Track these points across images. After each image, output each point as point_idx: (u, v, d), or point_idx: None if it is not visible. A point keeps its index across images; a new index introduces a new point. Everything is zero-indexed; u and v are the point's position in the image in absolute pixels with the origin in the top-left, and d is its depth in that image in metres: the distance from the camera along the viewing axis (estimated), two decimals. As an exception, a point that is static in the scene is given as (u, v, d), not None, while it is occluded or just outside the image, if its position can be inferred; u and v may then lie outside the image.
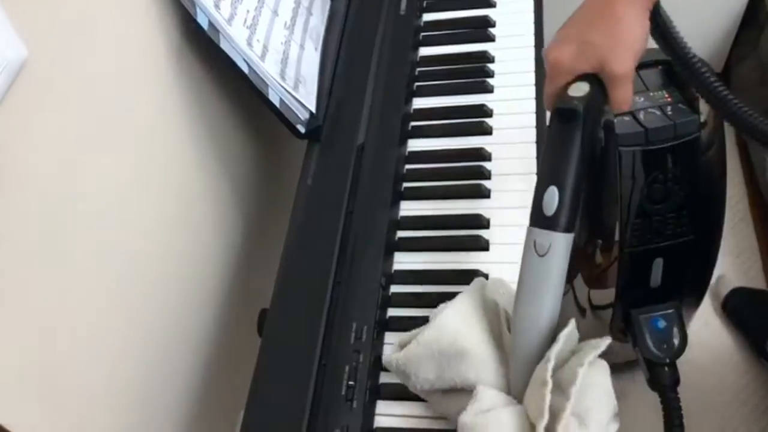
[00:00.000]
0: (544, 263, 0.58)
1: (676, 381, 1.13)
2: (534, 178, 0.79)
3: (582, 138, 0.59)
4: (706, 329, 1.41)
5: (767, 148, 0.63)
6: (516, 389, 0.59)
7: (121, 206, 0.66)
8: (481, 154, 0.83)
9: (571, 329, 0.59)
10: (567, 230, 0.58)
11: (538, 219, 0.59)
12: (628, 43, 0.61)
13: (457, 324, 0.61)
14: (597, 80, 0.61)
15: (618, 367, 1.44)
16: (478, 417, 0.56)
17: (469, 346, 0.60)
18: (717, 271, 1.21)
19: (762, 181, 1.54)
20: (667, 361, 1.12)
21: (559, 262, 0.58)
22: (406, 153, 0.86)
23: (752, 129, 0.62)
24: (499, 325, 0.62)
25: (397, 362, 0.62)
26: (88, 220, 0.61)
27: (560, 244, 0.58)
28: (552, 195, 0.58)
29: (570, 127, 0.59)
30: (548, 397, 0.53)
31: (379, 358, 0.69)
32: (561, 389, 0.54)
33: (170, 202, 0.75)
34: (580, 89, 0.61)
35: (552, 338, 0.58)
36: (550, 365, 0.54)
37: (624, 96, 0.63)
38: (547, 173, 0.60)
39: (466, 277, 0.74)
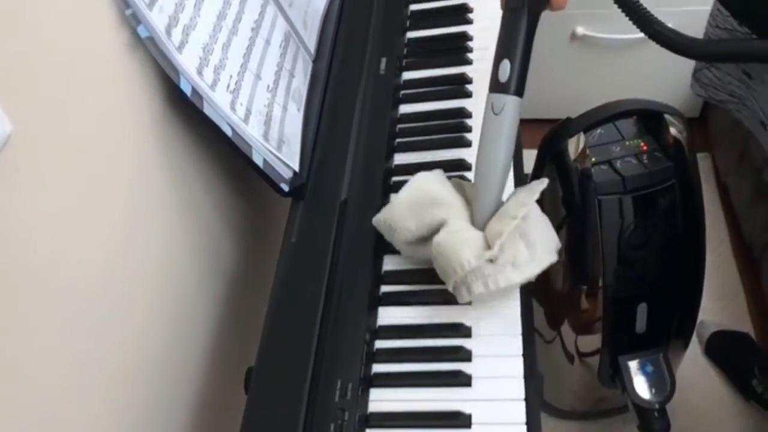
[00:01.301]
0: (498, 119, 0.74)
1: (667, 426, 1.13)
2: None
3: (527, 23, 0.75)
4: (695, 372, 1.42)
5: (680, 55, 0.78)
6: (479, 222, 0.76)
7: (103, 269, 0.67)
8: (462, 208, 0.85)
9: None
10: (516, 93, 0.74)
11: (495, 86, 0.75)
12: None
13: (429, 181, 0.79)
14: None
15: (609, 413, 1.45)
16: (448, 236, 0.73)
17: (440, 195, 0.78)
18: (700, 315, 1.23)
19: (743, 223, 1.57)
20: (657, 406, 1.13)
21: (510, 118, 0.74)
22: (389, 208, 0.88)
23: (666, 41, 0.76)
24: (461, 184, 0.81)
25: (384, 219, 0.78)
26: (70, 284, 0.62)
27: (511, 103, 0.74)
28: (505, 66, 0.74)
29: (517, 15, 0.75)
30: (514, 223, 0.71)
31: (363, 416, 0.69)
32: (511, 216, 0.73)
33: (153, 263, 0.76)
34: None
35: (504, 179, 0.76)
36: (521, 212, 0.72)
37: None
38: (501, 50, 0.76)
39: (451, 330, 0.76)
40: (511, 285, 0.72)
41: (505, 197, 0.77)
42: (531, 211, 0.74)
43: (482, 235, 0.74)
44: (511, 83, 0.74)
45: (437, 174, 0.81)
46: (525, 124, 1.20)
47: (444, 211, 0.76)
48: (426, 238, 0.76)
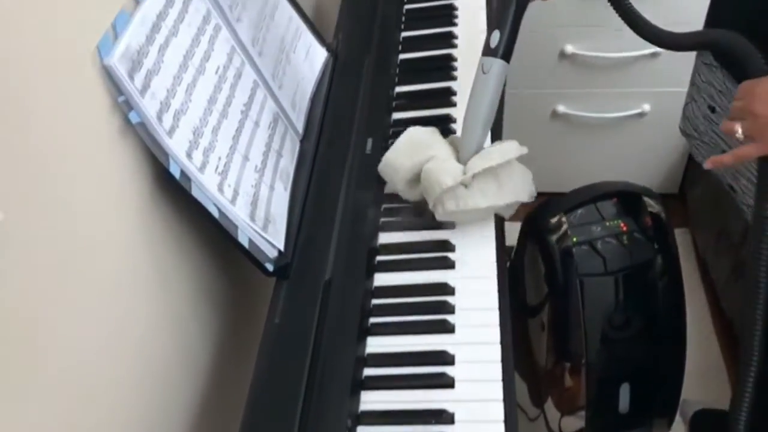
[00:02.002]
0: (486, 78, 0.91)
1: None
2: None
3: (516, 3, 0.90)
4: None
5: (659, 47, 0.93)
6: (463, 160, 0.91)
7: (87, 348, 0.66)
8: (445, 289, 0.86)
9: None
10: (503, 58, 0.90)
11: (486, 50, 0.91)
12: None
13: (423, 131, 0.96)
14: None
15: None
16: (435, 164, 0.90)
17: (432, 140, 0.95)
18: (683, 393, 1.23)
19: (723, 299, 1.59)
20: (642, 488, 1.11)
21: (495, 77, 0.90)
22: (373, 287, 0.89)
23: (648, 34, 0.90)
24: (451, 138, 0.98)
25: (386, 162, 0.95)
26: (53, 362, 0.61)
27: (498, 65, 0.90)
28: (495, 35, 0.91)
29: None
30: (490, 163, 0.89)
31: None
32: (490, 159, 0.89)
33: (136, 341, 0.76)
34: None
35: (487, 128, 0.93)
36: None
37: None
38: (493, 22, 0.92)
39: (433, 416, 0.75)
40: (477, 208, 0.89)
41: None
42: (512, 162, 0.92)
43: (463, 167, 0.90)
44: (499, 49, 0.90)
45: (429, 128, 0.97)
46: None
47: (434, 151, 0.92)
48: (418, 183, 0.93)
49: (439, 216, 0.90)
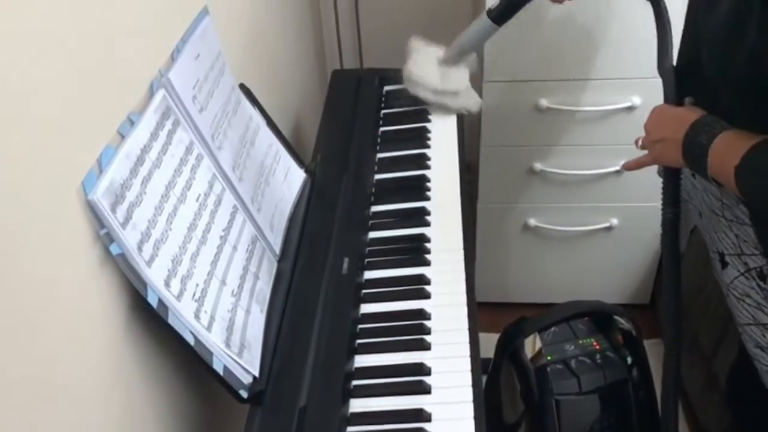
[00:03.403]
0: (479, 21, 1.23)
1: None
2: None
3: None
4: None
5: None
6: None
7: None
8: (421, 416, 0.85)
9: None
10: (495, 21, 1.21)
11: (489, 9, 1.21)
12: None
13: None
14: None
15: None
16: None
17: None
18: None
19: (698, 412, 1.58)
20: None
21: (479, 24, 1.23)
22: (348, 414, 0.88)
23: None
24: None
25: (410, 70, 1.34)
26: None
27: (485, 22, 1.21)
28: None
29: None
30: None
31: None
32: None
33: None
34: None
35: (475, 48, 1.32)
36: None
37: None
38: None
39: None
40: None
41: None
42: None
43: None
44: (494, 8, 1.19)
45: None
46: (482, 307, 1.25)
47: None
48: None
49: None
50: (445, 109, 1.36)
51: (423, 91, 1.34)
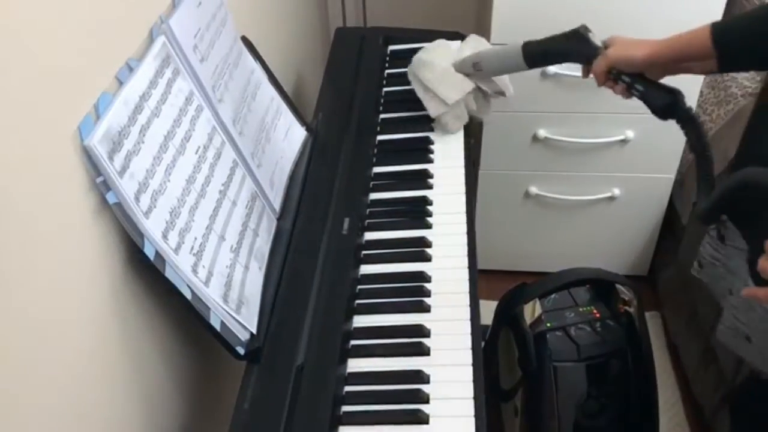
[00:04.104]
0: (512, 50, 1.07)
1: None
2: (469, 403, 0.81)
3: (564, 40, 1.00)
4: None
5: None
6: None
7: (50, 427, 0.63)
8: (419, 377, 0.84)
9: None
10: (527, 61, 1.05)
11: (526, 44, 1.05)
12: (628, 48, 0.93)
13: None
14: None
15: None
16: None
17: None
18: (657, 485, 1.21)
19: (694, 385, 1.58)
20: None
21: (509, 50, 1.08)
22: (346, 374, 0.87)
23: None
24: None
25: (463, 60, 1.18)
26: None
27: (516, 47, 1.06)
28: (537, 42, 1.04)
29: (570, 35, 1.00)
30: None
31: None
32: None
33: (103, 424, 0.73)
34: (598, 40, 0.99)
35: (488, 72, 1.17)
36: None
37: (596, 65, 0.96)
38: (545, 39, 1.04)
39: None
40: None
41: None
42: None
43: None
44: (530, 44, 1.04)
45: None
46: (482, 274, 1.24)
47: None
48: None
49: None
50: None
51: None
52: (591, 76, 0.99)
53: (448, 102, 1.17)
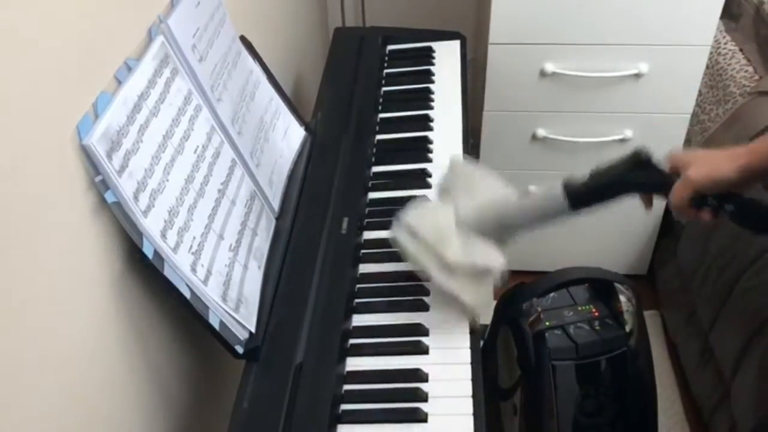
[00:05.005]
0: (542, 195, 0.87)
1: None
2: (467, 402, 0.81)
3: (626, 172, 0.82)
4: None
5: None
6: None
7: (47, 426, 0.64)
8: (418, 376, 0.84)
9: None
10: (570, 201, 0.84)
11: (569, 180, 0.85)
12: (711, 163, 0.78)
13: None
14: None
15: None
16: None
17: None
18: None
19: (693, 384, 1.59)
20: None
21: (547, 200, 0.87)
22: (345, 372, 0.87)
23: None
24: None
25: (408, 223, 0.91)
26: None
27: (557, 196, 0.84)
28: (583, 176, 0.83)
29: (631, 161, 0.82)
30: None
31: None
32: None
33: (98, 425, 0.73)
34: (663, 163, 0.82)
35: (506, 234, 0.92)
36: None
37: (676, 192, 0.79)
38: (597, 168, 0.84)
39: None
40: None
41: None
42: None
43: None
44: (574, 186, 0.84)
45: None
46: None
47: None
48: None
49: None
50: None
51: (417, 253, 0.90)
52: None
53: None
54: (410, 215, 0.91)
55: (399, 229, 0.91)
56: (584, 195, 0.83)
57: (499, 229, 0.90)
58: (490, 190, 0.94)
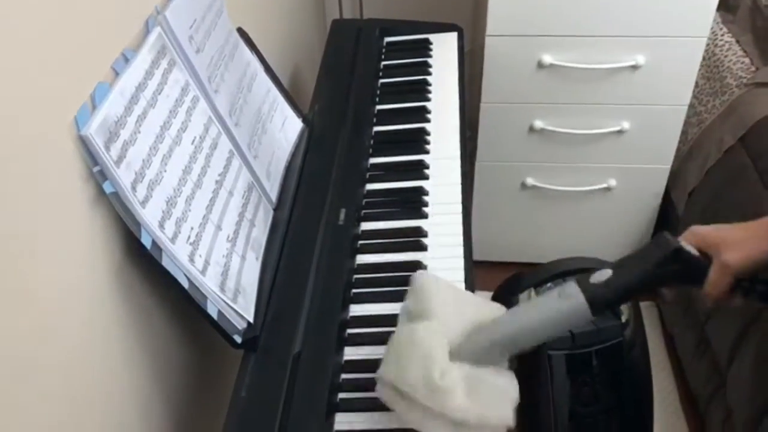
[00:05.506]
0: (553, 301, 0.73)
1: None
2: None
3: (655, 267, 0.72)
4: None
5: None
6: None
7: (46, 418, 0.64)
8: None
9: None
10: (591, 305, 0.71)
11: (581, 279, 0.73)
12: (747, 245, 0.72)
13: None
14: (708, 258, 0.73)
15: None
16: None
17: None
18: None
19: (689, 375, 1.59)
20: None
21: (562, 313, 0.73)
22: (343, 362, 0.88)
23: None
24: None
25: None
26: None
27: (576, 304, 0.72)
28: (604, 273, 0.72)
29: (658, 253, 0.73)
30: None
31: None
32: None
33: (97, 416, 0.74)
34: (691, 247, 0.74)
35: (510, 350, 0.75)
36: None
37: (714, 282, 0.73)
38: (618, 262, 0.74)
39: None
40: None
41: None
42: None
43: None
44: (596, 294, 0.71)
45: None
46: (478, 266, 1.24)
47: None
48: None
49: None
50: None
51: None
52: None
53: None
54: (388, 366, 0.74)
55: (381, 388, 0.74)
56: (610, 301, 0.73)
57: (501, 351, 0.75)
58: (472, 308, 0.79)
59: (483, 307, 0.80)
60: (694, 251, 0.74)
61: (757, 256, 0.72)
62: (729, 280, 0.72)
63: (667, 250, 0.73)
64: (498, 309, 0.80)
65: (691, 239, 0.75)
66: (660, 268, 0.73)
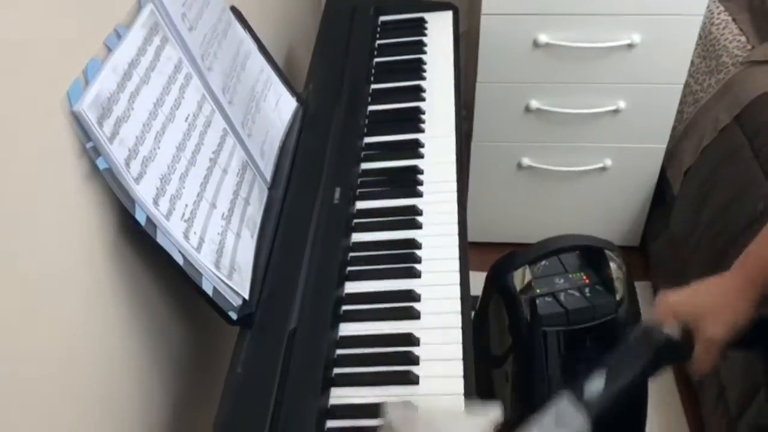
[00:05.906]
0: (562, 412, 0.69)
1: None
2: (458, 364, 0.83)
3: (646, 364, 0.73)
4: None
5: None
6: None
7: (45, 397, 0.65)
8: (410, 340, 0.86)
9: None
10: (590, 417, 0.68)
11: (575, 388, 0.70)
12: (724, 315, 0.72)
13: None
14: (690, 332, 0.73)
15: None
16: None
17: None
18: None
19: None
20: None
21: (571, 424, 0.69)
22: (338, 337, 0.88)
23: None
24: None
25: None
26: (12, 417, 0.59)
27: (578, 426, 0.68)
28: (598, 381, 0.70)
29: (646, 348, 0.73)
30: None
31: None
32: None
33: (95, 393, 0.74)
34: (673, 329, 0.74)
35: None
36: None
37: (702, 359, 0.73)
38: (606, 360, 0.73)
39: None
40: None
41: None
42: None
43: None
44: (592, 403, 0.69)
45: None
46: (473, 246, 1.24)
47: None
48: None
49: None
50: None
51: None
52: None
53: None
54: None
55: None
56: (610, 409, 0.72)
57: None
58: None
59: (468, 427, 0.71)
60: (677, 333, 0.74)
61: (737, 322, 0.73)
62: (717, 353, 0.73)
63: (657, 344, 0.74)
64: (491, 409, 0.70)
65: (666, 316, 0.76)
66: (652, 364, 0.74)
